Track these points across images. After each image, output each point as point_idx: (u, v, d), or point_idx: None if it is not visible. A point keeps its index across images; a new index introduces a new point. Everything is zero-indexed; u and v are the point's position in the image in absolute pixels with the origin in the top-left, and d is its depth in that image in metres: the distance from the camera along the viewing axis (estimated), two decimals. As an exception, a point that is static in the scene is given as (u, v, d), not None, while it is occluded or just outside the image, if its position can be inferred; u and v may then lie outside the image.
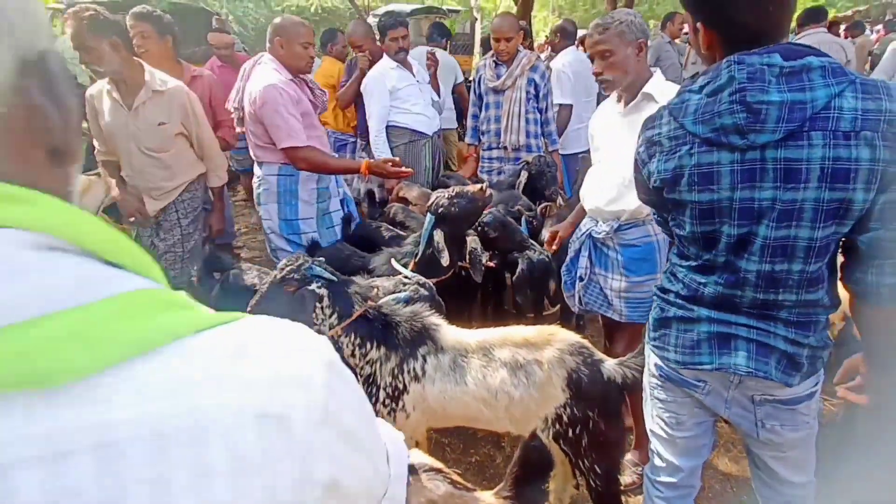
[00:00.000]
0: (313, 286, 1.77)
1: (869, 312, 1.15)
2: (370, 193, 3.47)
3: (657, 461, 1.52)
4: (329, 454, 0.42)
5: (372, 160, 2.79)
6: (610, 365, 1.67)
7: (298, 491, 0.40)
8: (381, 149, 3.62)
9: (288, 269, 1.81)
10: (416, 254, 2.23)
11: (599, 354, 1.71)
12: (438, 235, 2.21)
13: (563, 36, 4.65)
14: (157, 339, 0.37)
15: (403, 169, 2.70)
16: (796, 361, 1.21)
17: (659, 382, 1.45)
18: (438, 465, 1.26)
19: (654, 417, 1.50)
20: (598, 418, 1.64)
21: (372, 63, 3.95)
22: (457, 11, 13.63)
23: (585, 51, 2.38)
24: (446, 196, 2.32)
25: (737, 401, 1.33)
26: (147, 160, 2.64)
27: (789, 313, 1.21)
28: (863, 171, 1.05)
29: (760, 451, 1.39)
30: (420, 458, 1.28)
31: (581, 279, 2.22)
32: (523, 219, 2.94)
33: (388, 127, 3.71)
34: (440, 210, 2.28)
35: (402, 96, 3.75)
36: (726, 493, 2.24)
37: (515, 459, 1.27)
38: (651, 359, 1.46)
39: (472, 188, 2.38)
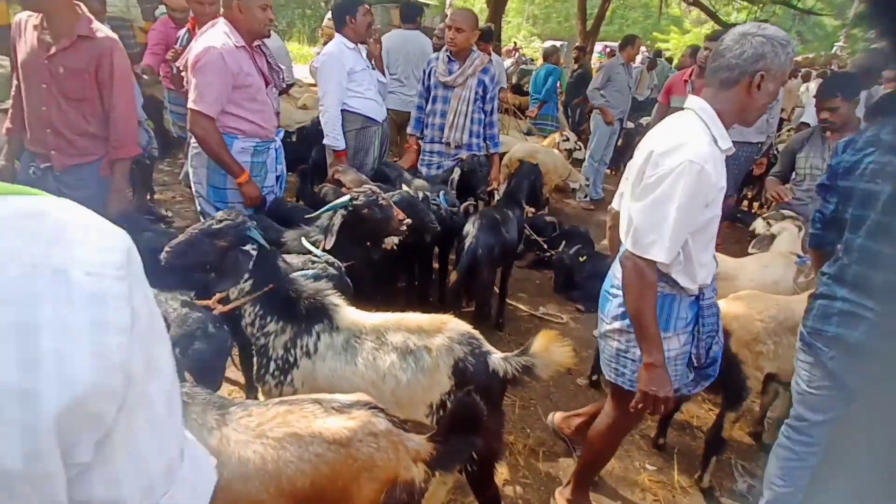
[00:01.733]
0: (248, 247, 1.74)
1: None
2: (303, 171, 3.44)
3: (791, 412, 1.93)
4: (117, 307, 0.47)
5: (249, 181, 2.74)
6: (496, 358, 1.73)
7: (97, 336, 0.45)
8: (334, 134, 3.54)
9: (226, 223, 1.76)
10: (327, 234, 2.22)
11: (488, 346, 1.77)
12: (338, 218, 2.21)
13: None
14: None
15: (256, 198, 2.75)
16: None
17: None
18: (377, 403, 1.42)
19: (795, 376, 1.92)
20: (480, 407, 1.70)
21: None
22: (427, 5, 13.60)
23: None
24: (373, 196, 2.28)
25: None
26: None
27: None
28: None
29: None
30: (365, 397, 1.44)
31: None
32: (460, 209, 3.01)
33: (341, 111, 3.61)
34: (356, 201, 2.27)
35: (356, 79, 3.67)
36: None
37: (448, 410, 1.37)
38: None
39: (398, 214, 2.32)
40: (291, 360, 1.76)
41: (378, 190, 2.30)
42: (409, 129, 4.00)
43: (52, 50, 2.36)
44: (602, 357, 2.01)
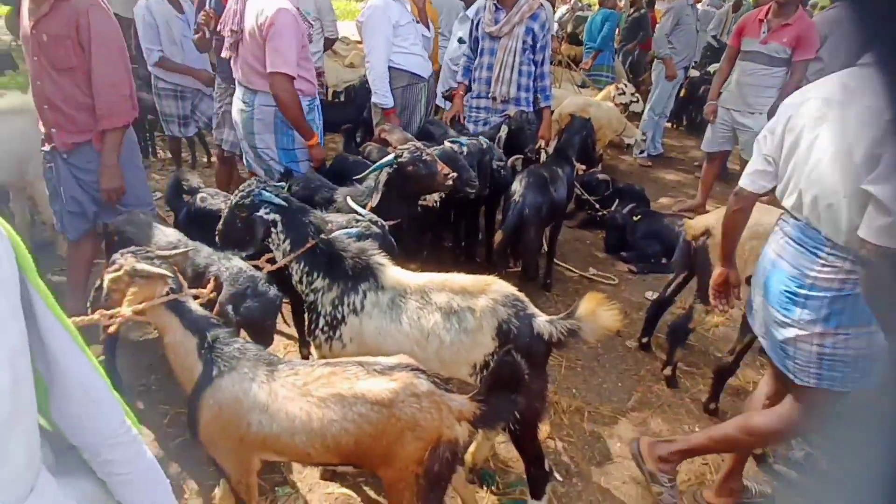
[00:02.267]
0: (261, 212, 1.79)
1: None
2: (347, 131, 3.44)
3: None
4: None
5: (317, 143, 2.81)
6: (541, 320, 1.71)
7: None
8: (382, 91, 3.47)
9: (239, 195, 1.84)
10: (373, 192, 2.23)
11: (532, 309, 1.75)
12: (384, 176, 2.21)
13: None
14: None
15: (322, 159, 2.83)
16: None
17: None
18: (419, 365, 1.46)
19: None
20: (523, 369, 1.70)
21: None
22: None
23: None
24: (417, 153, 2.26)
25: None
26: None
27: None
28: None
29: None
30: (407, 359, 1.49)
31: None
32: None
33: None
34: (401, 158, 2.25)
35: (401, 34, 3.55)
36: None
37: (490, 370, 1.39)
38: None
39: (443, 168, 2.28)
40: (339, 316, 1.81)
41: (422, 146, 2.27)
42: (458, 77, 3.86)
43: (35, 18, 2.23)
44: (788, 364, 1.73)
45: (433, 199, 2.31)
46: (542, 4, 3.51)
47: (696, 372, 2.94)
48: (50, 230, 3.45)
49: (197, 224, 2.36)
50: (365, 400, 1.36)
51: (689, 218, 2.94)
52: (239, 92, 2.90)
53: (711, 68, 6.81)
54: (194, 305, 1.53)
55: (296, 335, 2.77)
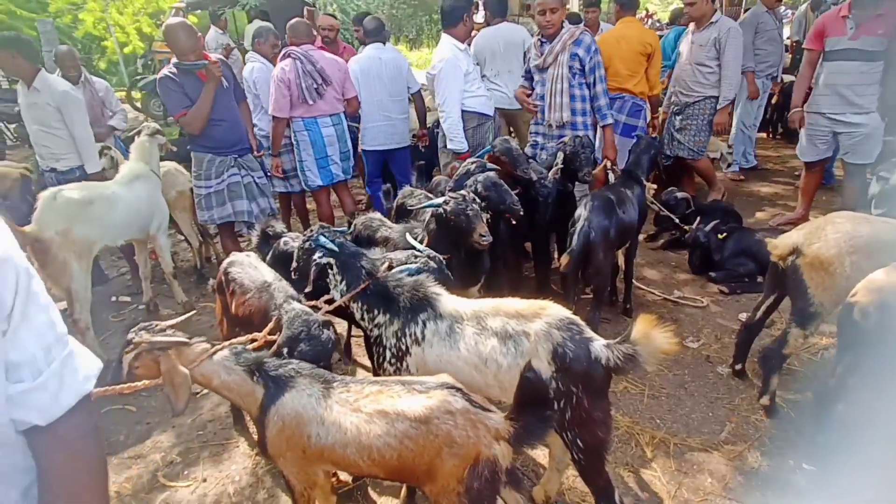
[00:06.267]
0: (315, 256, 1.95)
1: None
2: (420, 168, 3.65)
3: None
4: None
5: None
6: (598, 345, 1.67)
7: None
8: (458, 138, 3.75)
9: (302, 240, 2.04)
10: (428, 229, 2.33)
11: (590, 333, 1.71)
12: (429, 216, 2.33)
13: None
14: None
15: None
16: None
17: None
18: (458, 385, 1.51)
19: None
20: (582, 394, 1.66)
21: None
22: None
23: None
24: (462, 205, 2.29)
25: None
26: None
27: None
28: None
29: None
30: (447, 378, 1.55)
31: None
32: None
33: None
34: (447, 206, 2.32)
35: (469, 80, 3.83)
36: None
37: (516, 388, 1.41)
38: None
39: (480, 228, 2.29)
40: (403, 347, 1.88)
41: (471, 198, 2.34)
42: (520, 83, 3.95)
43: None
44: None
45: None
46: (584, 30, 3.58)
47: (803, 399, 2.65)
48: (169, 277, 3.93)
49: (281, 264, 2.59)
50: (405, 417, 1.42)
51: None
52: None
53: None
54: (217, 349, 1.65)
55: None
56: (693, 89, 4.65)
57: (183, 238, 4.57)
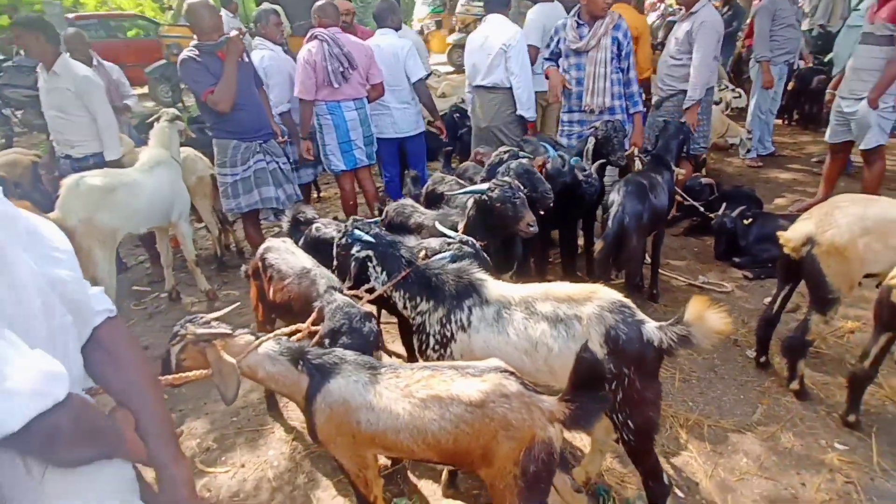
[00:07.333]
0: (353, 250, 1.96)
1: None
2: (447, 153, 3.64)
3: None
4: None
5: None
6: (650, 327, 1.67)
7: None
8: (533, 107, 3.94)
9: (339, 236, 2.05)
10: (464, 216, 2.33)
11: (641, 315, 1.72)
12: (472, 202, 2.31)
13: None
14: None
15: None
16: None
17: None
18: (511, 369, 1.51)
19: None
20: (634, 376, 1.67)
21: None
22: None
23: None
24: (509, 192, 2.28)
25: None
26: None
27: None
28: None
29: None
30: (497, 363, 1.55)
31: None
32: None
33: None
34: (493, 193, 2.30)
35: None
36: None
37: (571, 370, 1.40)
38: None
39: (528, 216, 2.28)
40: (448, 334, 1.88)
41: (516, 185, 2.32)
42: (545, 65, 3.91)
43: None
44: None
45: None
46: (620, 15, 3.54)
47: (832, 382, 2.67)
48: (191, 265, 3.93)
49: (313, 250, 2.59)
50: (459, 401, 1.42)
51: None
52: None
53: (826, 58, 6.27)
54: (261, 340, 1.64)
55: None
56: (666, 83, 4.39)
57: (201, 226, 4.56)
